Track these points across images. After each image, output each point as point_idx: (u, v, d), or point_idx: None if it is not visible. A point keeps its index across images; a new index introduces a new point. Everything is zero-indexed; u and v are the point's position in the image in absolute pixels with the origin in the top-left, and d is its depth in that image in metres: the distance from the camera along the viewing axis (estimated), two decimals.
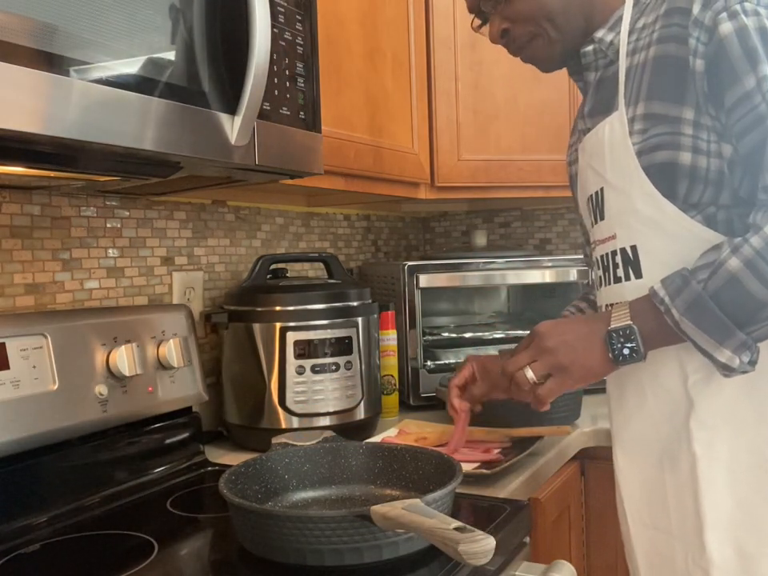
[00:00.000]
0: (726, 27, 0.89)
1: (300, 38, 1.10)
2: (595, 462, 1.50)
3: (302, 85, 1.11)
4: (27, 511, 1.05)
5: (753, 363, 0.87)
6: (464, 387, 1.25)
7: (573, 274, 1.85)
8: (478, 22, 1.15)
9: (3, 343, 1.04)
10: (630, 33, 1.01)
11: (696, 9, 0.91)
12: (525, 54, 1.12)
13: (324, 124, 1.17)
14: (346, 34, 1.41)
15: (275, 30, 1.03)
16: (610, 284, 1.04)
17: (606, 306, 1.06)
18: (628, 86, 0.99)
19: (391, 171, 1.55)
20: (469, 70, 1.75)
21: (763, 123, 0.87)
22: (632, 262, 0.99)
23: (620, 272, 1.01)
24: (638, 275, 0.98)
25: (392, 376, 1.68)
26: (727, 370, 0.87)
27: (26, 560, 0.97)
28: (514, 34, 1.09)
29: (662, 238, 0.96)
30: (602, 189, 1.04)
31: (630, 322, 0.91)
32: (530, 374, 0.97)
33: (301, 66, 1.10)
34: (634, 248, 0.99)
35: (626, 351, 0.92)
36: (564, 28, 1.07)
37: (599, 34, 1.05)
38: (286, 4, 1.07)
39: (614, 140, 0.99)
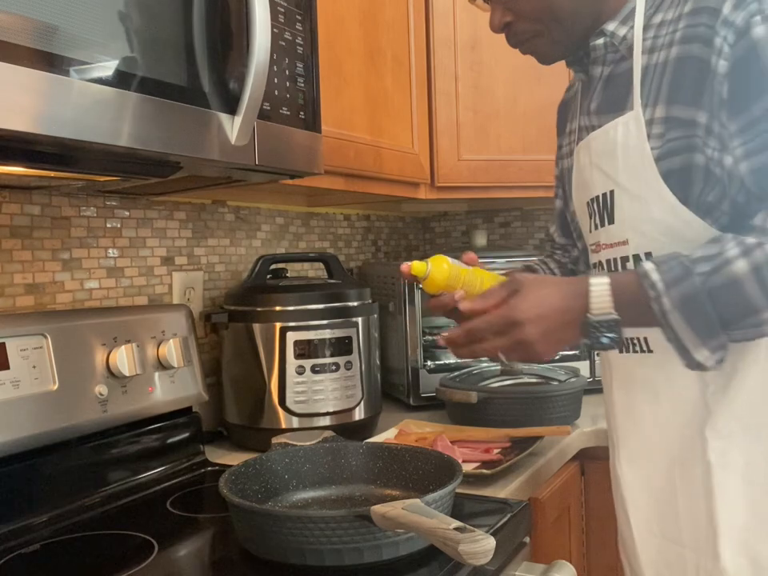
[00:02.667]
0: (760, 30, 0.84)
1: (300, 38, 1.10)
2: (595, 461, 1.49)
3: (302, 85, 1.11)
4: (27, 511, 1.05)
5: (721, 362, 0.85)
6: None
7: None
8: (482, 1, 1.08)
9: (3, 343, 1.04)
10: (646, 28, 0.96)
11: (727, 9, 0.86)
12: (525, 48, 1.07)
13: (324, 124, 1.17)
14: (346, 33, 1.42)
15: (275, 30, 1.03)
16: None
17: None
18: (645, 85, 0.94)
19: (391, 171, 1.55)
20: (469, 70, 1.75)
21: None
22: None
23: None
24: None
25: None
26: (699, 368, 0.85)
27: (26, 560, 0.97)
28: (517, 28, 1.04)
29: (678, 245, 0.90)
30: (611, 191, 1.00)
31: (614, 315, 0.85)
32: (501, 357, 0.91)
33: (301, 66, 1.10)
34: (648, 255, 0.95)
35: (604, 340, 0.86)
36: (571, 29, 1.02)
37: (610, 26, 0.99)
38: (285, 4, 1.07)
39: (628, 142, 0.95)
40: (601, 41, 1.01)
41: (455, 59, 1.74)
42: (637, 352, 1.01)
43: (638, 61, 0.96)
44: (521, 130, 1.79)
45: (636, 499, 1.04)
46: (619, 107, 0.98)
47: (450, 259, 1.03)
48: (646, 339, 0.99)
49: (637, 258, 0.97)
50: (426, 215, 2.45)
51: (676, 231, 0.92)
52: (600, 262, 1.05)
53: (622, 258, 1.00)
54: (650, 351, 0.99)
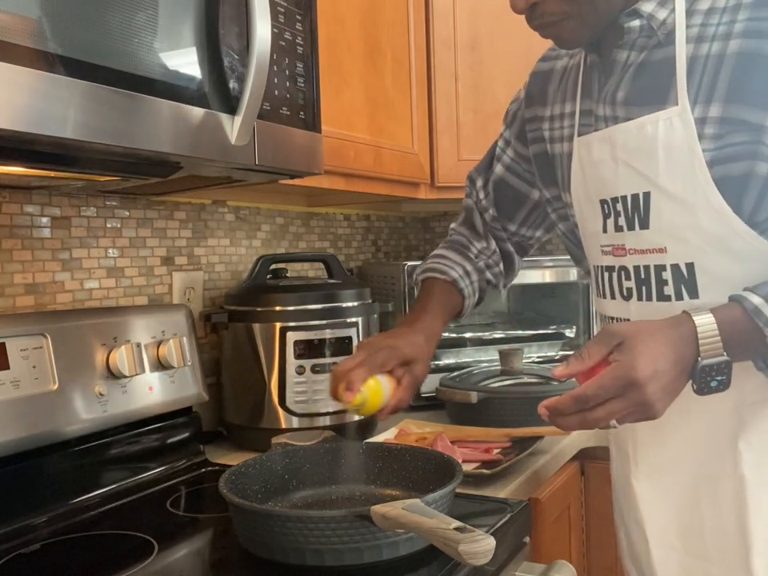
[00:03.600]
0: None
1: (300, 38, 1.10)
2: (595, 462, 1.49)
3: (302, 85, 1.11)
4: (27, 511, 1.05)
5: None
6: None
7: (573, 274, 1.85)
8: None
9: (3, 343, 1.04)
10: (690, 13, 0.87)
11: None
12: (548, 32, 0.96)
13: (324, 124, 1.17)
14: (346, 34, 1.41)
15: (275, 29, 1.03)
16: (650, 300, 0.94)
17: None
18: (694, 79, 0.86)
19: (391, 171, 1.55)
20: (469, 70, 1.75)
21: None
22: (686, 281, 0.90)
23: (668, 290, 0.92)
24: (693, 295, 0.89)
25: None
26: None
27: (26, 560, 0.97)
28: (544, 9, 0.92)
29: (725, 256, 0.86)
30: (646, 193, 0.92)
31: (725, 357, 0.79)
32: (613, 422, 0.81)
33: (301, 65, 1.10)
34: (690, 265, 0.89)
35: (713, 384, 0.80)
36: (604, 11, 0.91)
37: (647, 7, 0.89)
38: (285, 4, 1.07)
39: (673, 141, 0.88)
40: (637, 22, 0.90)
41: (455, 59, 1.74)
42: None
43: (681, 49, 0.87)
44: None
45: (655, 513, 1.00)
46: (659, 100, 0.89)
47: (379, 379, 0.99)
48: None
49: (676, 267, 0.91)
50: (426, 215, 2.45)
51: (724, 240, 0.87)
52: (624, 267, 0.97)
53: (656, 266, 0.93)
54: None
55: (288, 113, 1.08)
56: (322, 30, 1.16)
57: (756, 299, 0.80)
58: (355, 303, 1.46)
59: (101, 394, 1.15)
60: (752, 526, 0.89)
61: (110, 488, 1.16)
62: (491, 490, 1.14)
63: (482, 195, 1.27)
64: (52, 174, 1.02)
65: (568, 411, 0.81)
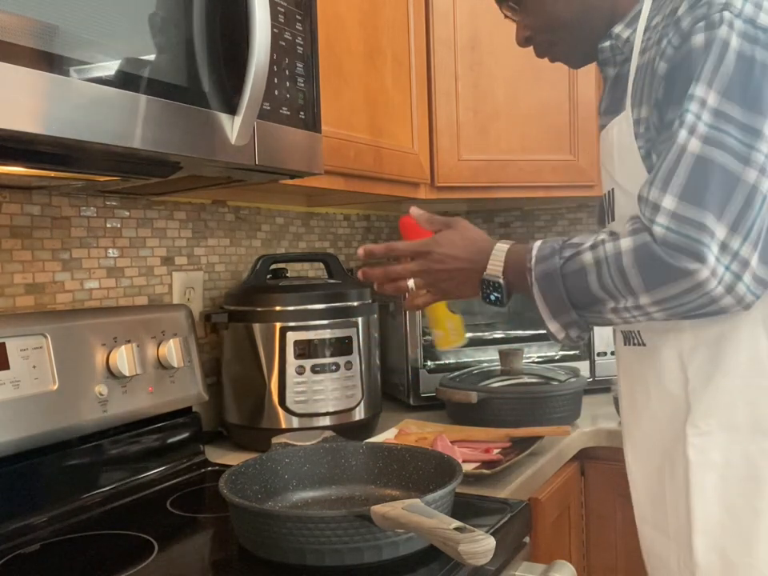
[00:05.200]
0: (699, 39, 0.85)
1: (300, 38, 1.10)
2: (595, 461, 1.50)
3: (302, 85, 1.11)
4: (27, 511, 1.05)
5: (581, 339, 0.96)
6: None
7: None
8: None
9: (3, 343, 1.04)
10: (646, 30, 0.97)
11: (681, 10, 0.88)
12: (551, 57, 1.12)
13: (324, 124, 1.17)
14: (346, 34, 1.41)
15: (275, 30, 1.03)
16: None
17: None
18: (636, 86, 0.96)
19: (391, 171, 1.55)
20: (469, 70, 1.75)
21: (680, 150, 0.85)
22: None
23: None
24: None
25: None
26: (553, 339, 0.96)
27: (26, 560, 0.97)
28: (536, 41, 1.10)
29: None
30: (612, 190, 1.03)
31: (500, 278, 0.98)
32: (411, 283, 1.05)
33: (301, 66, 1.10)
34: None
35: (492, 297, 1.00)
36: (582, 34, 1.05)
37: (617, 29, 1.02)
38: (285, 4, 1.07)
39: (622, 141, 0.98)
40: (607, 43, 1.03)
41: (455, 59, 1.73)
42: (634, 345, 1.03)
43: (634, 62, 0.97)
44: (521, 130, 1.79)
45: (637, 487, 1.07)
46: (619, 107, 1.00)
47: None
48: (639, 332, 1.02)
49: None
50: None
51: None
52: None
53: None
54: (642, 344, 1.02)
55: (288, 113, 1.08)
56: (321, 30, 1.16)
57: (536, 242, 0.96)
58: (355, 303, 1.46)
59: (101, 394, 1.15)
60: (694, 505, 0.94)
61: (109, 488, 1.16)
62: (491, 490, 1.14)
63: None
64: (52, 174, 1.02)
65: (378, 255, 1.07)
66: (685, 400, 0.96)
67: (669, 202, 0.84)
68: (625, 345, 1.06)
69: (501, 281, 0.98)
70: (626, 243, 0.87)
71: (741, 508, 0.92)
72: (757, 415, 0.92)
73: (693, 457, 0.95)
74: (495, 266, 0.98)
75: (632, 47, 1.00)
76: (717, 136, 0.83)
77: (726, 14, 0.84)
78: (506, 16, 1.14)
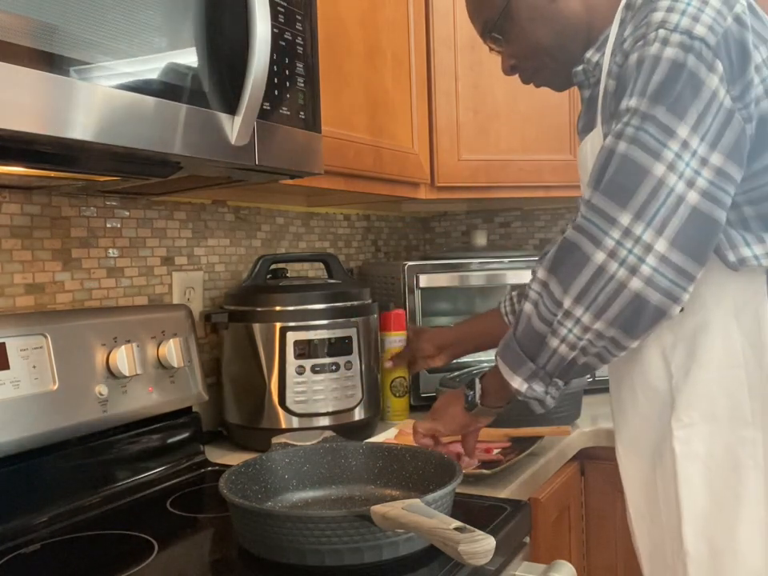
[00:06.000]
0: (634, 57, 0.92)
1: (300, 38, 1.10)
2: (595, 461, 1.50)
3: (302, 85, 1.11)
4: (27, 511, 1.05)
5: (547, 393, 1.01)
6: None
7: None
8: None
9: (3, 343, 1.04)
10: (613, 53, 1.01)
11: (627, 32, 0.95)
12: (536, 83, 1.18)
13: (324, 124, 1.17)
14: (346, 33, 1.41)
15: (275, 30, 1.03)
16: None
17: None
18: (605, 104, 1.01)
19: (391, 171, 1.55)
20: (469, 70, 1.75)
21: (608, 152, 0.92)
22: None
23: None
24: None
25: (404, 378, 1.64)
26: (519, 395, 1.01)
27: (26, 560, 0.97)
28: (521, 68, 1.16)
29: None
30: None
31: (476, 377, 1.11)
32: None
33: (301, 66, 1.10)
34: None
35: (468, 398, 1.12)
36: (563, 58, 1.10)
37: (588, 54, 1.07)
38: (285, 4, 1.07)
39: (594, 155, 1.00)
40: (580, 68, 1.09)
41: (455, 59, 1.73)
42: None
43: (603, 83, 1.02)
44: (521, 130, 1.79)
45: (630, 483, 1.10)
46: (591, 126, 1.07)
47: None
48: None
49: None
50: (426, 215, 2.45)
51: None
52: None
53: None
54: None
55: (288, 113, 1.08)
56: (321, 30, 1.16)
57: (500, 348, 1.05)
58: (355, 303, 1.46)
59: (101, 394, 1.15)
60: (682, 496, 0.98)
61: (109, 488, 1.16)
62: (491, 490, 1.14)
63: None
64: (52, 174, 1.02)
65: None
66: (669, 395, 1.00)
67: (595, 198, 0.91)
68: None
69: (476, 378, 1.11)
70: (542, 271, 0.96)
71: (724, 496, 0.96)
72: (734, 405, 0.96)
73: (678, 449, 0.98)
74: (471, 377, 1.14)
75: (602, 70, 1.04)
76: (638, 135, 0.89)
77: (661, 31, 0.90)
78: (491, 49, 1.19)
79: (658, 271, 0.87)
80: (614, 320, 0.89)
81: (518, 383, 1.00)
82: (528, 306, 0.98)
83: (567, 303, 0.91)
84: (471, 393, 1.11)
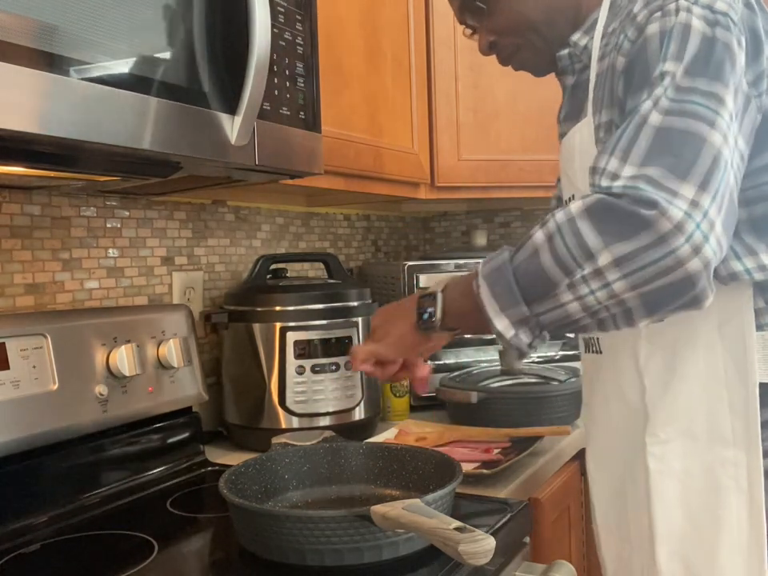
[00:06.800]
0: (654, 27, 0.84)
1: (300, 38, 1.10)
2: None
3: (302, 85, 1.11)
4: (27, 511, 1.05)
5: (531, 346, 0.83)
6: None
7: None
8: (469, 31, 1.14)
9: (3, 343, 1.04)
10: (603, 36, 0.96)
11: (637, 7, 0.87)
12: (514, 63, 1.11)
13: (324, 124, 1.17)
14: (346, 34, 1.41)
15: (275, 30, 1.03)
16: None
17: None
18: (596, 92, 0.95)
19: (391, 171, 1.55)
20: (469, 70, 1.75)
21: (641, 121, 0.81)
22: None
23: None
24: None
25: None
26: (501, 340, 0.83)
27: (26, 560, 0.97)
28: (501, 45, 1.08)
29: None
30: (572, 196, 1.01)
31: (437, 289, 0.90)
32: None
33: (301, 65, 1.10)
34: None
35: (425, 315, 0.90)
36: (549, 36, 1.04)
37: (575, 37, 1.01)
38: (285, 4, 1.07)
39: (583, 148, 0.97)
40: (566, 51, 1.03)
41: (455, 59, 1.73)
42: (593, 353, 1.03)
43: (593, 69, 0.96)
44: (521, 129, 1.79)
45: (599, 497, 1.07)
46: (579, 114, 1.01)
47: None
48: (598, 340, 1.01)
49: None
50: (426, 215, 2.45)
51: None
52: None
53: None
54: (600, 352, 1.01)
55: (288, 113, 1.08)
56: (321, 30, 1.16)
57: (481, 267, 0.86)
58: (355, 303, 1.46)
59: (101, 394, 1.15)
60: (655, 514, 0.94)
61: (109, 488, 1.16)
62: (491, 490, 1.14)
63: None
64: (52, 174, 1.02)
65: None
66: (642, 409, 0.95)
67: (630, 171, 0.78)
68: (585, 352, 1.05)
69: (438, 292, 0.90)
70: (576, 206, 0.79)
71: (702, 517, 0.91)
72: (715, 424, 0.90)
73: (653, 465, 0.94)
74: (438, 284, 0.91)
75: (590, 54, 0.98)
76: (679, 107, 0.79)
77: (682, 2, 0.83)
78: (467, 25, 1.12)
79: (717, 256, 0.76)
80: (647, 294, 0.76)
81: (502, 326, 0.81)
82: (540, 236, 0.81)
83: (603, 260, 0.76)
84: (431, 310, 0.90)
